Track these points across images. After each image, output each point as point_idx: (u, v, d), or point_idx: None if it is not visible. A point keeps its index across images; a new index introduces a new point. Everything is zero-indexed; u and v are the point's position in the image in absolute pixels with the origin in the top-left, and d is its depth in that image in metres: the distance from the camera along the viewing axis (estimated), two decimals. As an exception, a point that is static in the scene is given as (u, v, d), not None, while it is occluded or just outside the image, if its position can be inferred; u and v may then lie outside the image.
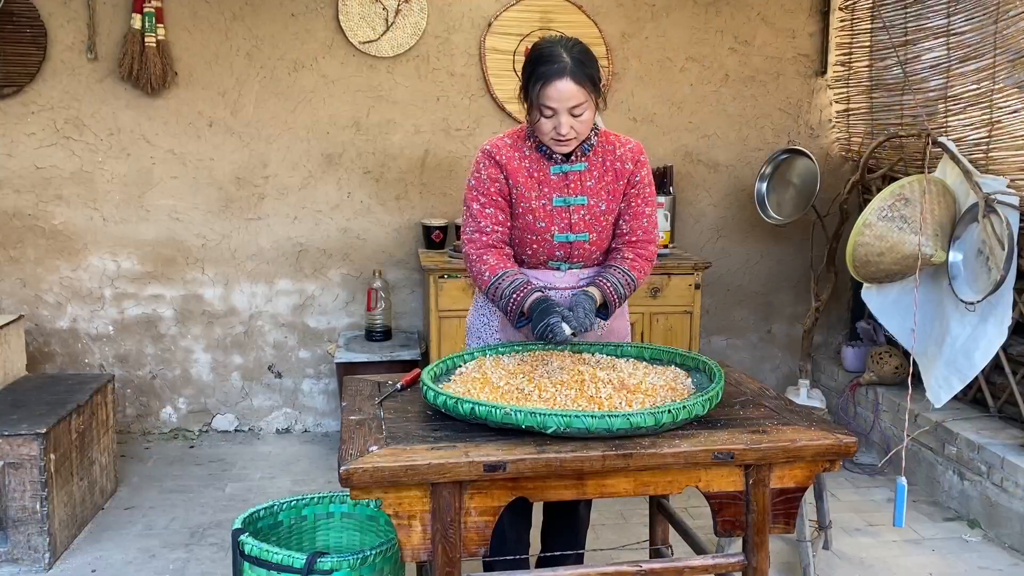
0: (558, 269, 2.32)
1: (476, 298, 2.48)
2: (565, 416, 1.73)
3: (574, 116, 2.13)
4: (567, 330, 2.07)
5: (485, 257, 2.24)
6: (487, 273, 2.22)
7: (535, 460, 1.72)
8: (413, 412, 1.98)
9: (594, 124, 2.27)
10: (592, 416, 1.73)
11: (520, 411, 1.74)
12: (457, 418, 1.85)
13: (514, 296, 2.17)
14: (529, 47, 2.27)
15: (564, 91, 2.10)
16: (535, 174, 2.25)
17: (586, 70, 2.12)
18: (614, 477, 1.80)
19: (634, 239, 2.31)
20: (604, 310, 2.25)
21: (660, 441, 1.78)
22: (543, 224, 2.25)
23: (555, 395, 1.89)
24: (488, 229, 2.25)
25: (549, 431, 1.74)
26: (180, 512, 3.40)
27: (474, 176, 2.28)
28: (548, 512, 2.57)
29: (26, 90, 3.97)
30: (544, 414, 1.73)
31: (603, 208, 2.27)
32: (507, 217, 2.27)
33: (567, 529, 2.55)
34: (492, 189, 2.25)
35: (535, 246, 2.29)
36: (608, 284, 2.24)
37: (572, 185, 2.25)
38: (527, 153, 2.26)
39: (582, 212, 2.26)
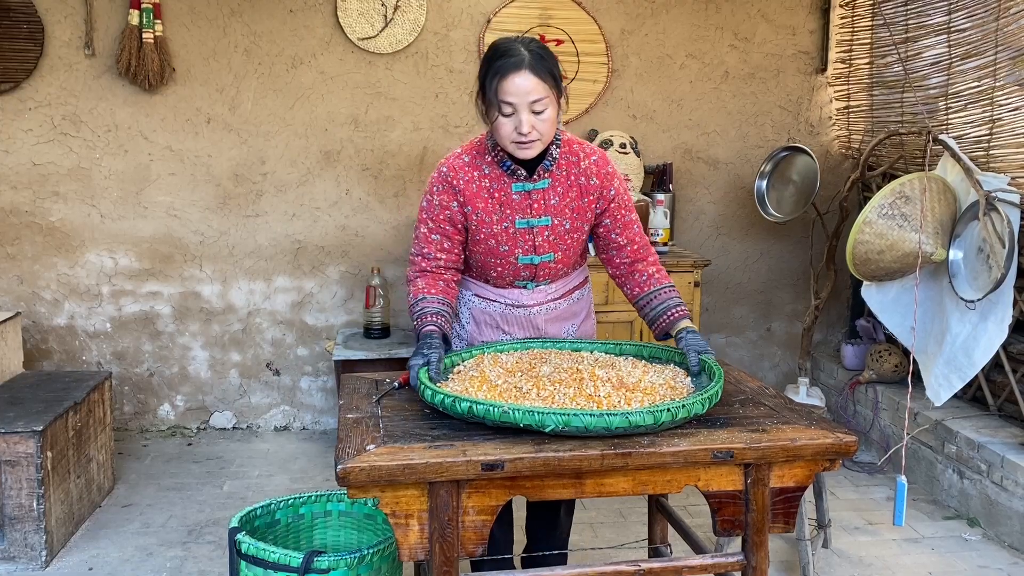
0: (524, 288, 2.29)
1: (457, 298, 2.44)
2: (563, 415, 1.71)
3: (535, 114, 2.02)
4: (416, 369, 1.97)
5: (417, 281, 2.19)
6: (411, 296, 2.19)
7: (533, 459, 1.70)
8: (411, 410, 1.96)
9: (557, 136, 2.17)
10: (590, 415, 1.71)
11: (518, 409, 1.73)
12: (455, 417, 1.84)
13: (415, 322, 2.13)
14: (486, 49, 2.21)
15: (523, 85, 1.99)
16: (496, 194, 2.16)
17: (545, 64, 2.03)
18: (613, 476, 1.79)
19: (635, 248, 2.27)
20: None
21: (659, 440, 1.77)
22: (506, 248, 2.19)
23: (553, 393, 1.88)
24: (430, 256, 2.20)
25: (547, 430, 1.73)
26: (177, 510, 3.39)
27: (427, 198, 2.21)
28: (530, 511, 2.56)
29: (23, 86, 3.95)
30: (542, 412, 1.72)
31: (567, 227, 2.20)
32: (454, 244, 2.21)
33: (549, 527, 2.54)
34: (441, 216, 2.18)
35: (500, 268, 2.24)
36: (683, 308, 2.22)
37: (535, 205, 2.17)
38: (487, 171, 2.17)
39: (546, 233, 2.19)
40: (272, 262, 4.24)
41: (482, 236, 2.19)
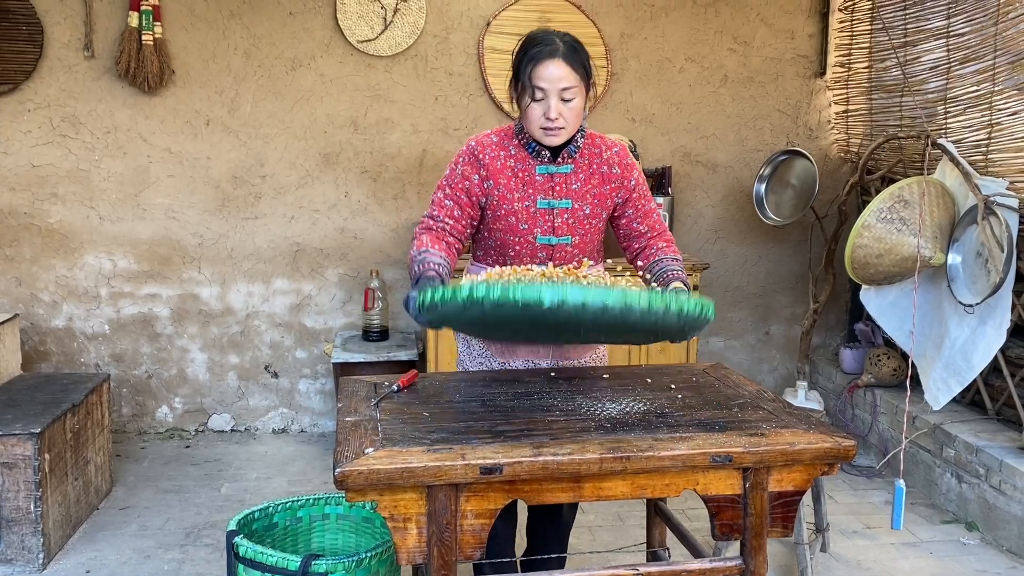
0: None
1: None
2: (560, 288, 1.63)
3: (564, 101, 2.13)
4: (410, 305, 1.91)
5: (422, 236, 2.23)
6: (414, 248, 2.21)
7: (532, 462, 1.70)
8: (409, 414, 1.96)
9: (582, 127, 2.27)
10: (587, 289, 1.64)
11: (515, 287, 1.63)
12: (455, 325, 1.80)
13: (415, 268, 2.14)
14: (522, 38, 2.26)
15: (555, 72, 2.11)
16: (520, 174, 2.24)
17: (578, 56, 2.15)
18: (611, 480, 1.79)
19: (654, 233, 2.34)
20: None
21: (658, 444, 1.77)
22: (526, 226, 2.24)
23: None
24: (438, 218, 2.25)
25: (545, 305, 1.63)
26: (175, 512, 3.39)
27: (451, 166, 2.29)
28: (532, 511, 2.56)
29: (22, 88, 3.95)
30: (539, 288, 1.63)
31: (587, 212, 2.27)
32: (463, 215, 2.25)
33: (552, 529, 2.54)
34: (460, 186, 2.25)
35: (517, 247, 2.28)
36: (682, 274, 2.24)
37: (557, 187, 2.25)
38: (513, 152, 2.25)
39: (566, 215, 2.25)
40: (271, 264, 4.24)
41: (503, 212, 2.24)
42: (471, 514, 1.75)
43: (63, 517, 3.09)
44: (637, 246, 2.35)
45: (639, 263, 2.35)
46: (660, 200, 4.07)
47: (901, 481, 2.83)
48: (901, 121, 3.98)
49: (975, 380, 3.52)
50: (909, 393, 3.30)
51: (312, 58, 4.11)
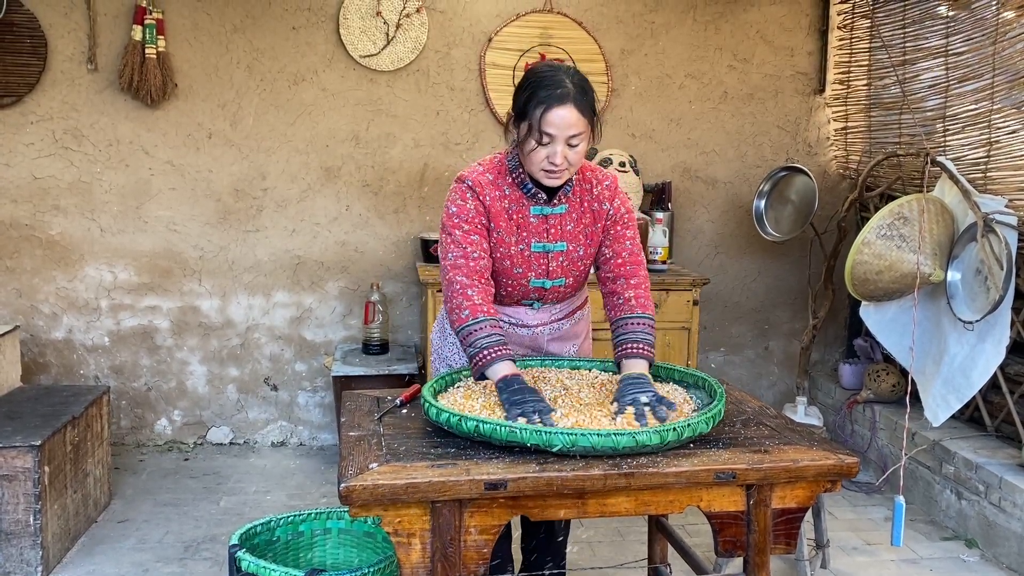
0: (531, 307, 2.32)
1: (440, 314, 2.43)
2: (570, 434, 1.72)
3: (571, 147, 2.05)
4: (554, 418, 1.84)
5: (470, 293, 2.06)
6: (467, 311, 2.04)
7: (536, 479, 1.71)
8: (413, 428, 1.96)
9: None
10: (597, 434, 1.72)
11: (525, 429, 1.73)
12: (459, 435, 1.84)
13: (483, 353, 1.99)
14: (527, 70, 2.21)
15: (567, 118, 2.01)
16: (515, 216, 2.17)
17: (587, 99, 2.06)
18: (615, 496, 1.79)
19: (619, 262, 2.22)
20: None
21: (661, 460, 1.77)
22: (520, 270, 2.21)
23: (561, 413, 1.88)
24: (475, 255, 2.10)
25: (555, 449, 1.73)
26: (174, 526, 3.38)
27: (456, 204, 2.15)
28: (526, 525, 2.55)
29: (25, 100, 3.96)
30: (549, 432, 1.72)
31: (580, 253, 2.24)
32: (488, 249, 2.16)
33: (546, 542, 2.53)
34: (477, 220, 2.14)
35: (509, 288, 2.25)
36: (646, 348, 2.12)
37: (552, 230, 2.19)
38: (507, 192, 2.17)
39: (561, 259, 2.21)
40: (271, 277, 4.24)
41: (499, 255, 2.19)
42: (475, 530, 1.75)
43: (62, 530, 3.08)
44: (603, 276, 2.25)
45: (608, 311, 2.24)
46: (660, 215, 4.08)
47: (901, 497, 2.83)
48: (900, 138, 4.01)
49: (974, 397, 3.53)
50: (908, 409, 3.31)
51: (314, 72, 4.13)
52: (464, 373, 2.17)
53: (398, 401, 2.12)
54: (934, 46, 3.74)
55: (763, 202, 4.29)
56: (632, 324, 2.16)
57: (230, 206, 4.17)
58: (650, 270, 3.96)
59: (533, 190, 2.16)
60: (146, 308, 4.18)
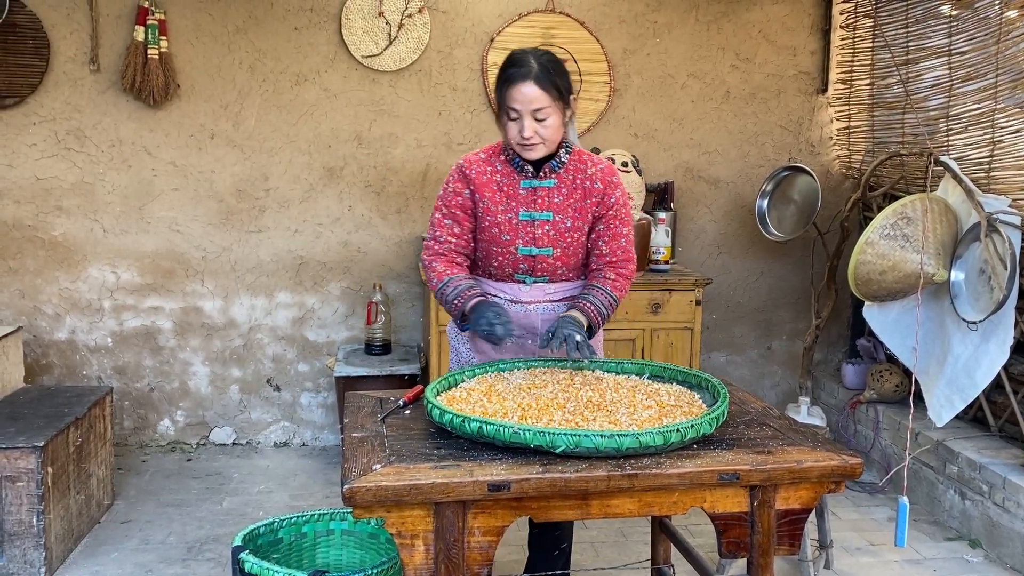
0: (523, 283, 2.37)
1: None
2: (574, 435, 1.72)
3: (538, 120, 2.19)
4: (500, 331, 2.12)
5: (434, 264, 2.33)
6: (435, 279, 2.32)
7: (540, 480, 1.70)
8: (416, 429, 1.96)
9: (566, 142, 2.32)
10: (601, 435, 1.72)
11: (529, 430, 1.73)
12: (463, 437, 1.84)
13: (456, 301, 2.25)
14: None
15: (527, 94, 2.17)
16: (504, 188, 2.32)
17: (551, 77, 2.19)
18: (619, 497, 1.79)
19: (614, 259, 2.34)
20: (588, 332, 2.25)
21: (665, 461, 1.77)
22: (508, 237, 2.31)
23: (562, 415, 1.88)
24: (442, 239, 2.34)
25: (558, 451, 1.73)
26: (177, 526, 3.38)
27: (443, 187, 2.38)
28: (532, 524, 2.56)
29: (28, 101, 3.97)
30: (553, 433, 1.72)
31: (568, 225, 2.31)
32: (464, 231, 2.35)
33: (552, 544, 2.54)
34: (453, 203, 2.34)
35: (500, 258, 2.34)
36: (591, 306, 2.27)
37: (540, 200, 2.30)
38: (499, 168, 2.34)
39: (546, 227, 2.30)
40: (274, 278, 4.24)
41: (487, 223, 2.33)
42: (478, 531, 1.75)
43: (65, 531, 3.08)
44: (594, 266, 2.37)
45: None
46: (662, 215, 4.08)
47: (905, 498, 2.83)
48: (903, 138, 4.00)
49: (978, 397, 3.52)
50: (912, 409, 3.31)
51: (317, 73, 4.13)
52: (467, 373, 2.17)
53: (401, 402, 2.12)
54: (937, 45, 3.73)
55: (766, 202, 4.28)
56: (595, 291, 2.30)
57: (233, 207, 4.17)
58: (652, 270, 3.96)
59: (522, 164, 2.30)
60: (149, 309, 4.19)
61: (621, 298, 2.34)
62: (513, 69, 2.20)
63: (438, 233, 2.35)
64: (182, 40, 4.03)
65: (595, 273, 2.36)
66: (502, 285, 2.38)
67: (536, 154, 2.25)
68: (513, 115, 2.21)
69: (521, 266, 2.34)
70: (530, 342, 2.37)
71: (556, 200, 2.30)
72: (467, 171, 2.34)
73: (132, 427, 4.25)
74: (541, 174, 2.30)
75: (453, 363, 2.52)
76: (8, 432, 2.95)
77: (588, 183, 2.32)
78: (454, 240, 2.34)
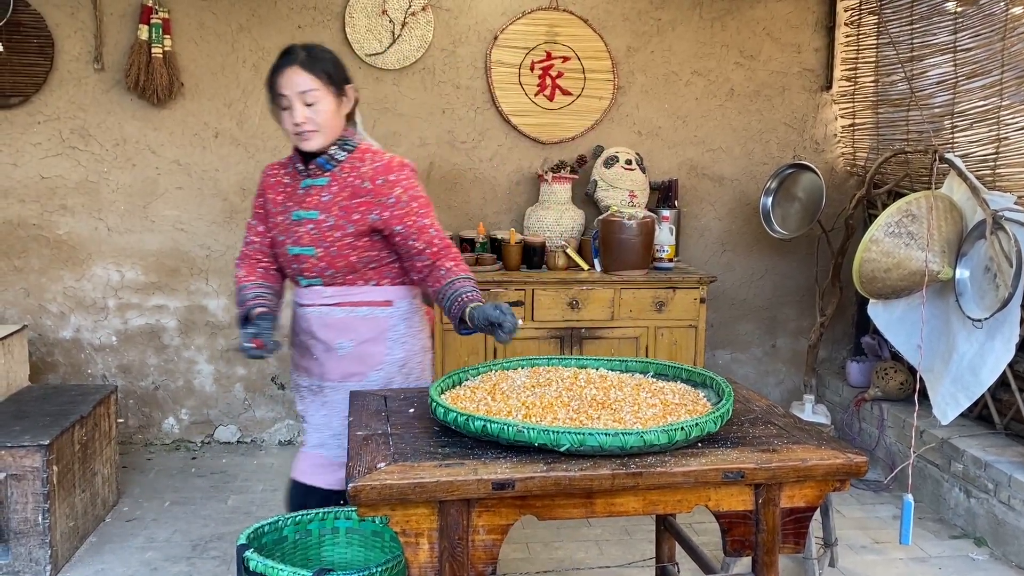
0: (300, 285, 2.34)
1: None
2: (578, 433, 1.71)
3: (308, 105, 2.18)
4: (243, 341, 2.15)
5: (237, 269, 2.38)
6: (235, 285, 2.36)
7: (544, 478, 1.70)
8: (420, 428, 1.96)
9: (345, 139, 2.26)
10: (605, 433, 1.71)
11: (533, 428, 1.73)
12: (466, 435, 1.84)
13: (239, 310, 2.27)
14: None
15: (293, 79, 2.17)
16: (287, 189, 2.32)
17: (319, 63, 2.20)
18: (623, 496, 1.78)
19: (435, 250, 2.23)
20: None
21: (669, 460, 1.77)
22: (282, 237, 2.30)
23: (565, 413, 1.88)
24: (247, 240, 2.39)
25: (563, 449, 1.73)
26: (182, 525, 3.39)
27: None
28: None
29: (32, 100, 3.97)
30: (557, 431, 1.72)
31: (331, 224, 2.23)
32: (266, 232, 2.36)
33: None
34: (257, 204, 2.39)
35: (282, 260, 2.34)
36: (474, 293, 2.16)
37: (310, 199, 2.27)
38: (289, 170, 2.34)
39: (309, 226, 2.25)
40: (278, 276, 4.24)
41: (271, 225, 2.35)
42: (483, 529, 1.74)
43: (70, 529, 3.09)
44: (421, 265, 2.25)
45: (431, 289, 2.25)
46: (666, 213, 4.07)
47: (910, 496, 2.83)
48: (908, 135, 3.99)
49: (983, 395, 3.51)
50: (917, 407, 3.30)
51: (320, 71, 4.12)
52: (471, 371, 2.17)
53: (243, 344, 2.14)
54: (942, 42, 3.72)
55: (770, 199, 4.28)
56: (460, 283, 2.19)
57: (237, 205, 4.17)
58: (656, 268, 3.96)
59: (304, 166, 2.28)
60: (153, 307, 4.19)
61: (472, 276, 2.23)
62: (280, 59, 2.21)
63: (246, 236, 2.39)
64: (186, 39, 4.04)
65: (430, 272, 2.23)
66: (297, 289, 2.37)
67: (313, 143, 2.21)
68: (284, 103, 2.19)
69: (293, 266, 2.30)
70: (320, 348, 2.34)
71: (324, 198, 2.25)
72: (263, 176, 2.38)
73: (137, 425, 4.26)
74: (313, 172, 2.26)
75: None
76: (13, 431, 2.96)
77: (358, 182, 2.23)
78: (257, 241, 2.36)
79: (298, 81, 2.17)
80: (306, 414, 2.44)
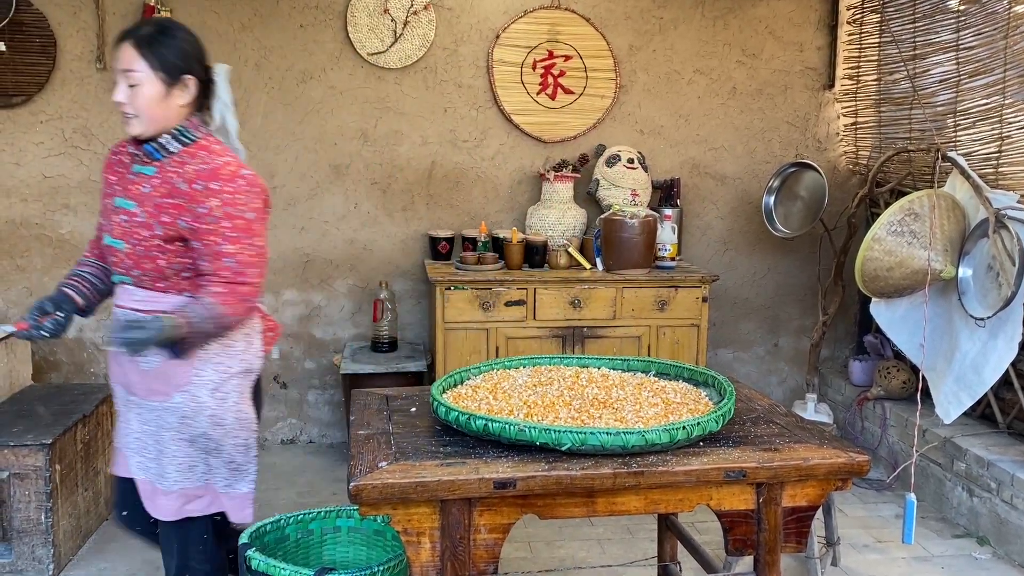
0: (113, 281, 2.19)
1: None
2: (580, 432, 1.72)
3: (130, 87, 2.03)
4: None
5: (86, 251, 2.33)
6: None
7: (545, 477, 1.70)
8: (422, 427, 1.97)
9: (183, 129, 2.08)
10: (607, 432, 1.72)
11: (534, 427, 1.73)
12: (468, 434, 1.84)
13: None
14: None
15: (122, 54, 2.04)
16: (120, 171, 2.16)
17: (154, 46, 2.03)
18: (624, 495, 1.79)
19: (221, 279, 2.03)
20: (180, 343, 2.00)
21: (671, 459, 1.77)
22: (104, 222, 2.18)
23: (568, 413, 1.88)
24: (99, 222, 2.26)
25: (564, 448, 1.73)
26: (185, 523, 3.39)
27: None
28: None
29: (35, 99, 3.98)
30: (558, 431, 1.72)
31: (141, 220, 2.05)
32: None
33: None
34: (105, 183, 2.24)
35: (103, 247, 2.21)
36: (183, 312, 1.99)
37: (133, 188, 2.09)
38: (130, 151, 2.15)
39: (123, 217, 2.08)
40: (280, 275, 4.24)
41: (101, 207, 2.23)
42: (484, 528, 1.75)
43: (73, 528, 3.09)
44: (200, 283, 2.07)
45: None
46: (669, 212, 4.07)
47: (912, 495, 2.83)
48: (910, 134, 3.98)
49: (986, 394, 3.51)
50: (919, 406, 3.29)
51: (322, 70, 4.13)
52: (473, 371, 2.17)
53: (11, 329, 2.14)
54: (944, 40, 3.72)
55: (772, 198, 4.27)
56: (195, 302, 2.03)
57: (239, 204, 4.17)
58: (658, 267, 3.96)
59: (132, 148, 2.13)
60: (156, 306, 4.19)
61: (230, 314, 2.02)
62: (123, 31, 2.07)
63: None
64: (188, 38, 4.03)
65: (202, 289, 2.05)
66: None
67: (133, 127, 2.05)
68: (117, 77, 2.05)
69: (110, 258, 2.14)
70: (124, 357, 2.10)
71: (144, 189, 2.06)
72: (110, 151, 2.23)
73: (139, 424, 4.26)
74: (142, 158, 2.10)
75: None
76: (16, 430, 2.97)
77: (178, 180, 2.03)
78: (104, 222, 2.18)
79: (124, 58, 2.03)
80: (127, 424, 2.22)
